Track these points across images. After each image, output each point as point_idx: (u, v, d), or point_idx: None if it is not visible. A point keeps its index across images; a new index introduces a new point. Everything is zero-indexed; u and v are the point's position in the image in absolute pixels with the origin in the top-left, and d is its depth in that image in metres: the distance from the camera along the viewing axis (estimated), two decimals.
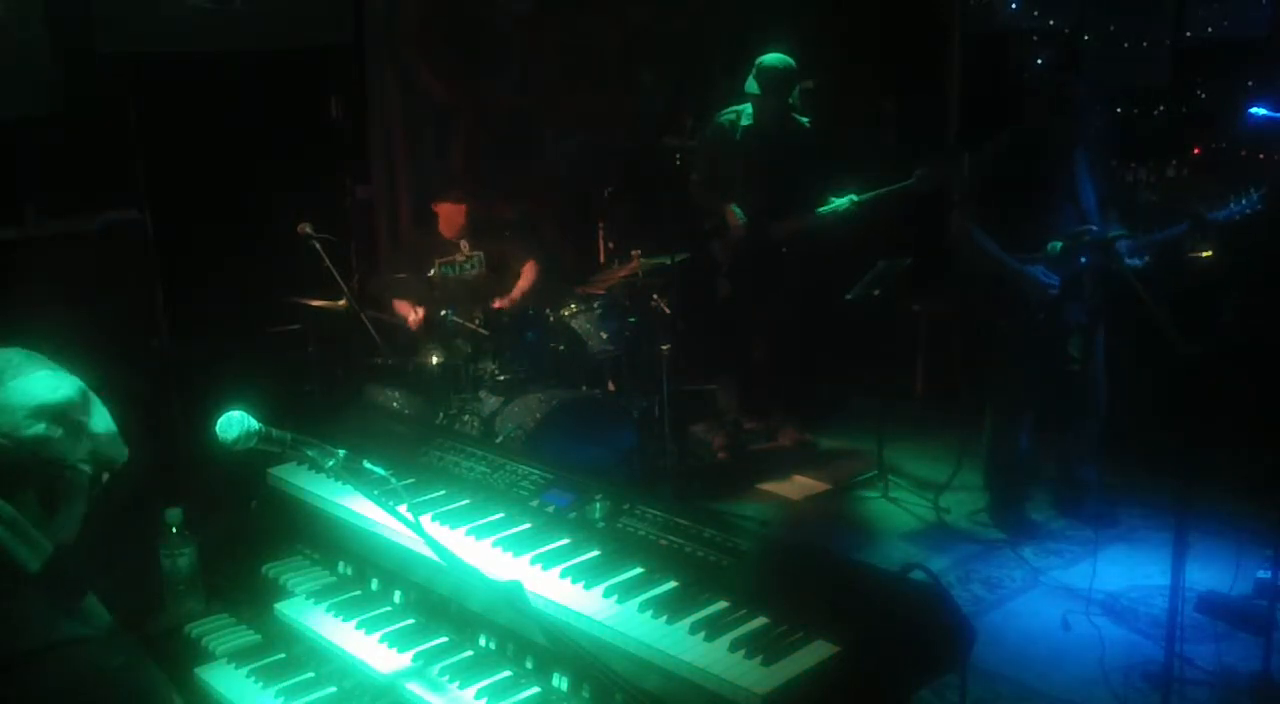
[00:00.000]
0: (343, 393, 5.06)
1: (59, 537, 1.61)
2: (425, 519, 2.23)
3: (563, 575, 2.02)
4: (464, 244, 5.38)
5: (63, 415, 1.60)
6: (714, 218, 5.46)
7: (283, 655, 2.30)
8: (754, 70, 5.27)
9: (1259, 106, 4.21)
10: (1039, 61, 7.02)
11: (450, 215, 5.35)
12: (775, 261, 5.41)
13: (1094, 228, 4.32)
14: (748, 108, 5.37)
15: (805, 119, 5.44)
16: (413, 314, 5.12)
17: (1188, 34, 6.53)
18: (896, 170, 5.35)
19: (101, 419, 1.68)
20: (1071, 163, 4.37)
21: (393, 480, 2.02)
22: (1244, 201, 4.16)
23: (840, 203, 5.32)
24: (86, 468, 1.63)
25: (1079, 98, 4.32)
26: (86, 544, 1.70)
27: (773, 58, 5.24)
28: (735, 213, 5.35)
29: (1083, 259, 4.31)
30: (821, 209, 5.32)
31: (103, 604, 1.67)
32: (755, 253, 5.39)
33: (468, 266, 5.39)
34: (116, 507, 1.76)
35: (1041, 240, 4.32)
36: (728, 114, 5.44)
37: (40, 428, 1.57)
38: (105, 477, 1.69)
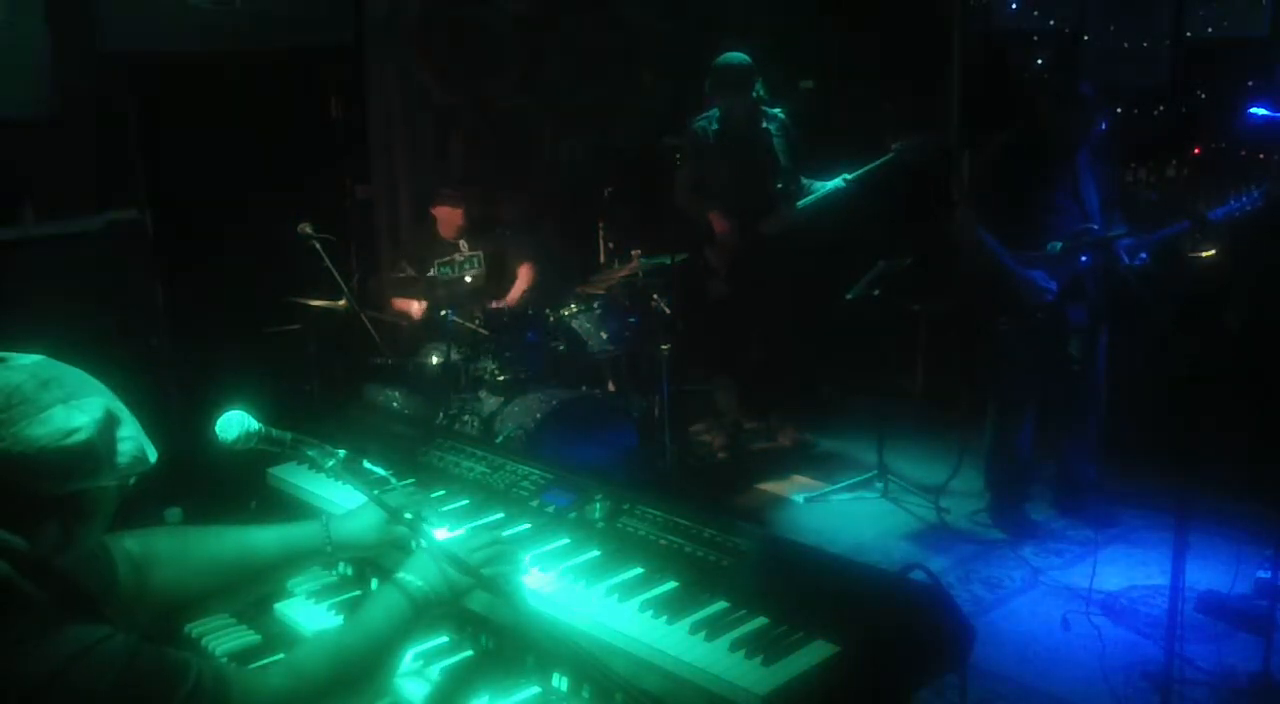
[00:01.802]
0: (343, 393, 5.06)
1: (81, 550, 1.57)
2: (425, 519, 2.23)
3: (562, 575, 2.02)
4: (463, 244, 5.40)
5: (82, 458, 1.49)
6: (702, 223, 5.46)
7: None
8: (710, 74, 5.27)
9: (1259, 106, 4.20)
10: (1039, 61, 7.01)
11: (448, 218, 5.37)
12: (767, 260, 5.41)
13: (1095, 227, 4.33)
14: (716, 112, 5.38)
15: (778, 109, 5.43)
16: (415, 306, 5.13)
17: (1188, 34, 6.52)
18: (896, 170, 5.35)
19: (126, 440, 1.56)
20: (1075, 162, 4.38)
21: (393, 480, 2.02)
22: (1244, 199, 4.16)
23: (828, 186, 5.31)
24: (112, 484, 1.56)
25: (1083, 96, 4.32)
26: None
27: (727, 58, 5.24)
28: (719, 216, 5.35)
29: (1084, 259, 4.31)
30: (803, 202, 5.32)
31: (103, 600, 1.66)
32: (747, 253, 5.39)
33: (466, 266, 5.39)
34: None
35: (1044, 239, 4.32)
36: (701, 120, 5.44)
37: (60, 469, 1.47)
38: (132, 480, 1.61)
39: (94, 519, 1.58)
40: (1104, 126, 4.41)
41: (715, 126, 5.38)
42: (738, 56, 5.23)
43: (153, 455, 1.61)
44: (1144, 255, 4.23)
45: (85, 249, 5.11)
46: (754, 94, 5.27)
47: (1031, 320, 4.38)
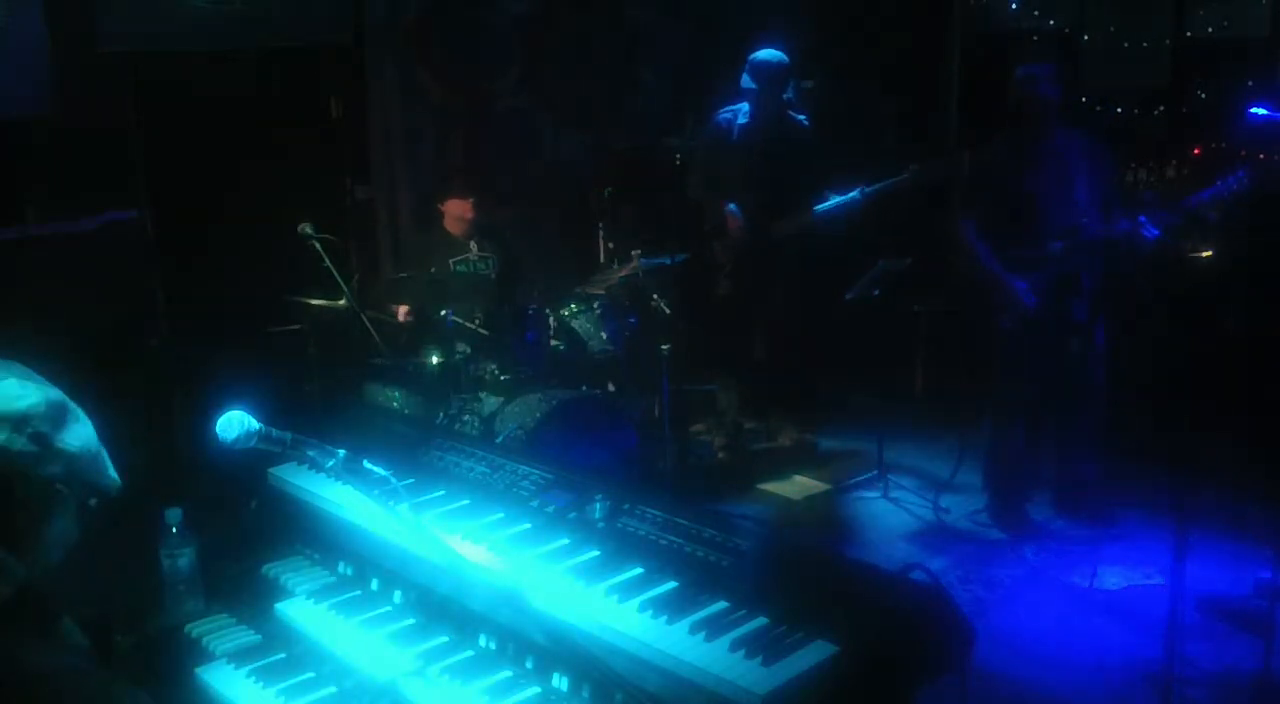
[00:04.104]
0: (343, 393, 5.06)
1: (39, 560, 1.55)
2: (425, 519, 2.23)
3: (562, 575, 2.02)
4: (473, 244, 5.40)
5: (23, 424, 1.50)
6: (714, 217, 5.47)
7: (283, 655, 2.30)
8: (748, 66, 5.28)
9: (1259, 106, 4.20)
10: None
11: (457, 211, 5.35)
12: (774, 260, 5.42)
13: (1085, 221, 4.34)
14: (744, 106, 5.38)
15: (802, 117, 5.45)
16: (402, 309, 5.12)
17: (1188, 34, 6.53)
18: (896, 171, 5.36)
19: (77, 436, 1.57)
20: (1055, 149, 4.40)
21: (393, 480, 2.02)
22: (1230, 180, 4.17)
23: (843, 198, 5.32)
24: (63, 488, 1.54)
25: (1041, 96, 4.37)
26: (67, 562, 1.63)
27: (766, 53, 5.26)
28: (733, 212, 5.35)
29: (1087, 257, 4.34)
30: (820, 207, 5.33)
31: (77, 624, 1.62)
32: (754, 251, 5.40)
33: (481, 267, 5.40)
34: (116, 507, 1.71)
35: (1036, 229, 4.36)
36: (725, 113, 5.45)
37: None
38: (93, 502, 1.60)
39: (49, 522, 1.55)
40: (1056, 98, 4.43)
41: (742, 120, 5.38)
42: (775, 53, 5.25)
43: (70, 441, 1.57)
44: (1156, 230, 4.24)
45: (85, 249, 5.11)
46: (786, 92, 5.29)
47: (1031, 319, 4.39)
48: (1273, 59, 6.08)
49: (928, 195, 5.46)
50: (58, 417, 1.55)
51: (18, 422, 1.50)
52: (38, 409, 1.52)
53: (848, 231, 5.43)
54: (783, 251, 5.42)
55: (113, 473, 1.64)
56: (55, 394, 1.57)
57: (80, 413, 1.61)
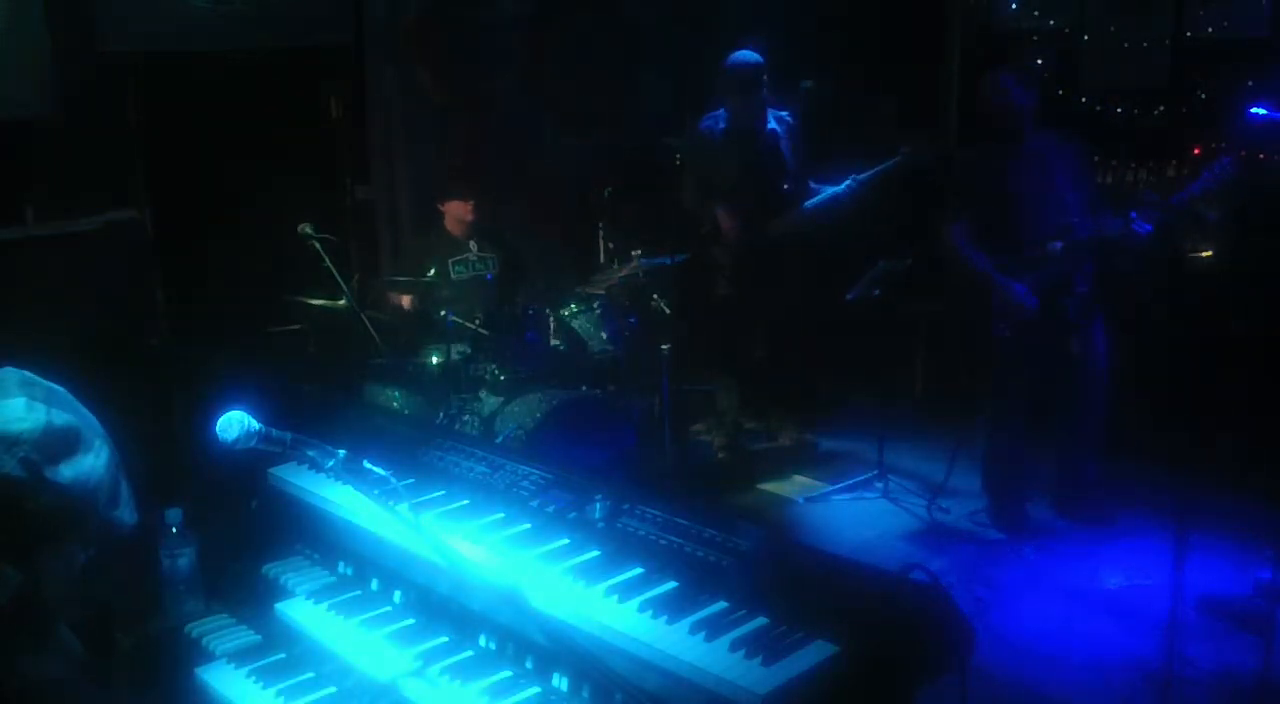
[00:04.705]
0: (343, 393, 5.06)
1: (41, 576, 1.51)
2: (425, 519, 2.23)
3: (562, 575, 2.02)
4: (473, 244, 5.40)
5: (14, 446, 1.45)
6: (708, 223, 5.46)
7: (283, 655, 2.30)
8: (721, 72, 5.28)
9: (1259, 106, 4.20)
10: (1039, 61, 7.02)
11: (457, 212, 5.36)
12: (774, 260, 5.42)
13: (1075, 220, 4.35)
14: (723, 112, 5.39)
15: (785, 112, 5.44)
16: (405, 298, 5.12)
17: (1188, 34, 6.52)
18: (902, 172, 5.35)
19: (74, 469, 1.50)
20: (1042, 162, 4.41)
21: (393, 480, 2.02)
22: (1216, 168, 4.17)
23: (836, 189, 5.32)
24: (61, 514, 1.49)
25: (1012, 103, 4.39)
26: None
27: (738, 55, 5.26)
28: (725, 215, 5.35)
29: (1085, 256, 4.35)
30: (812, 200, 5.32)
31: (75, 628, 1.61)
32: (752, 253, 5.39)
33: (481, 268, 5.40)
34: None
35: (1030, 239, 4.36)
36: (708, 120, 5.45)
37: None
38: (97, 523, 1.54)
39: (53, 540, 1.51)
40: (1029, 102, 4.43)
41: (722, 126, 5.38)
42: (748, 54, 5.24)
43: (64, 472, 1.51)
44: (1148, 226, 4.24)
45: (85, 249, 5.11)
46: (763, 93, 5.28)
47: (1024, 323, 4.40)
48: (1273, 59, 6.07)
49: (927, 194, 5.46)
50: (54, 446, 1.49)
51: (9, 443, 1.45)
52: (31, 435, 1.47)
53: (845, 225, 5.43)
54: (782, 251, 5.42)
55: (119, 511, 1.57)
56: (65, 420, 1.51)
57: (96, 443, 1.55)
